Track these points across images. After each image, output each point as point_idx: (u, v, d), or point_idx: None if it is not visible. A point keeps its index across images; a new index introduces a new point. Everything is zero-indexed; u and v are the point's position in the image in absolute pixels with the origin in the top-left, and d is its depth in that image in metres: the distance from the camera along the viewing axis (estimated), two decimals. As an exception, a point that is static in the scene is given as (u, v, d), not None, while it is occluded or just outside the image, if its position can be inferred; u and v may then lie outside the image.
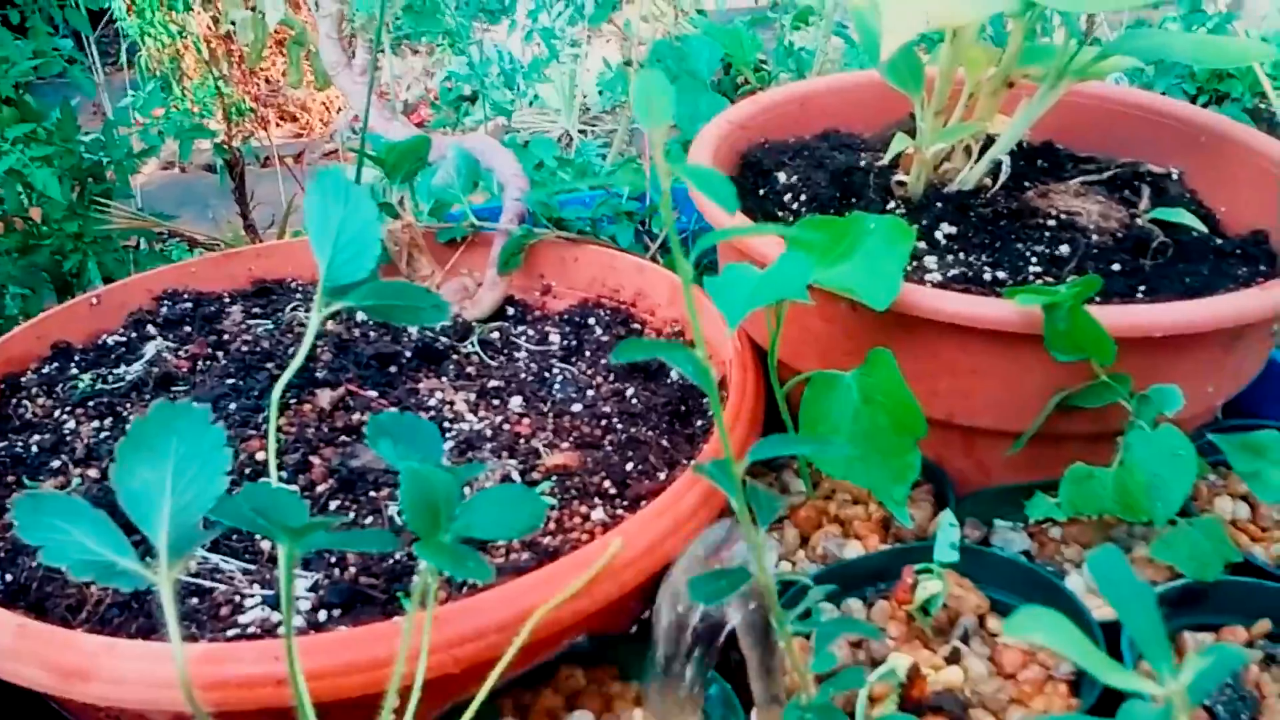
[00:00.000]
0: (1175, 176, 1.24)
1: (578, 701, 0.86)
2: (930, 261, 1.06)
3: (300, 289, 1.29)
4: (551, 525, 0.92)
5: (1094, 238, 1.11)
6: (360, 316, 1.21)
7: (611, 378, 1.12)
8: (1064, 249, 1.09)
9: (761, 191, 1.20)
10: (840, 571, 0.90)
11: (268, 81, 4.12)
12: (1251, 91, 2.73)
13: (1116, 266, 1.07)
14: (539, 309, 1.28)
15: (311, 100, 4.16)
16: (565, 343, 1.19)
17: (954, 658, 0.83)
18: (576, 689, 0.87)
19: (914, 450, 0.86)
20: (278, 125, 4.14)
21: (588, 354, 1.16)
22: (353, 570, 0.87)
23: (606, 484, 0.97)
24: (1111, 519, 0.98)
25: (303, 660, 0.73)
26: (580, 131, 3.48)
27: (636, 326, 1.22)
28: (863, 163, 1.22)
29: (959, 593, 0.87)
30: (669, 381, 1.12)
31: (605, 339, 1.19)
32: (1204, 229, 1.12)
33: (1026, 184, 1.20)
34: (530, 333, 1.21)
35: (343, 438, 1.00)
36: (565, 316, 1.24)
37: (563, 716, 0.85)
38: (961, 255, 1.08)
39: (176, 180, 3.52)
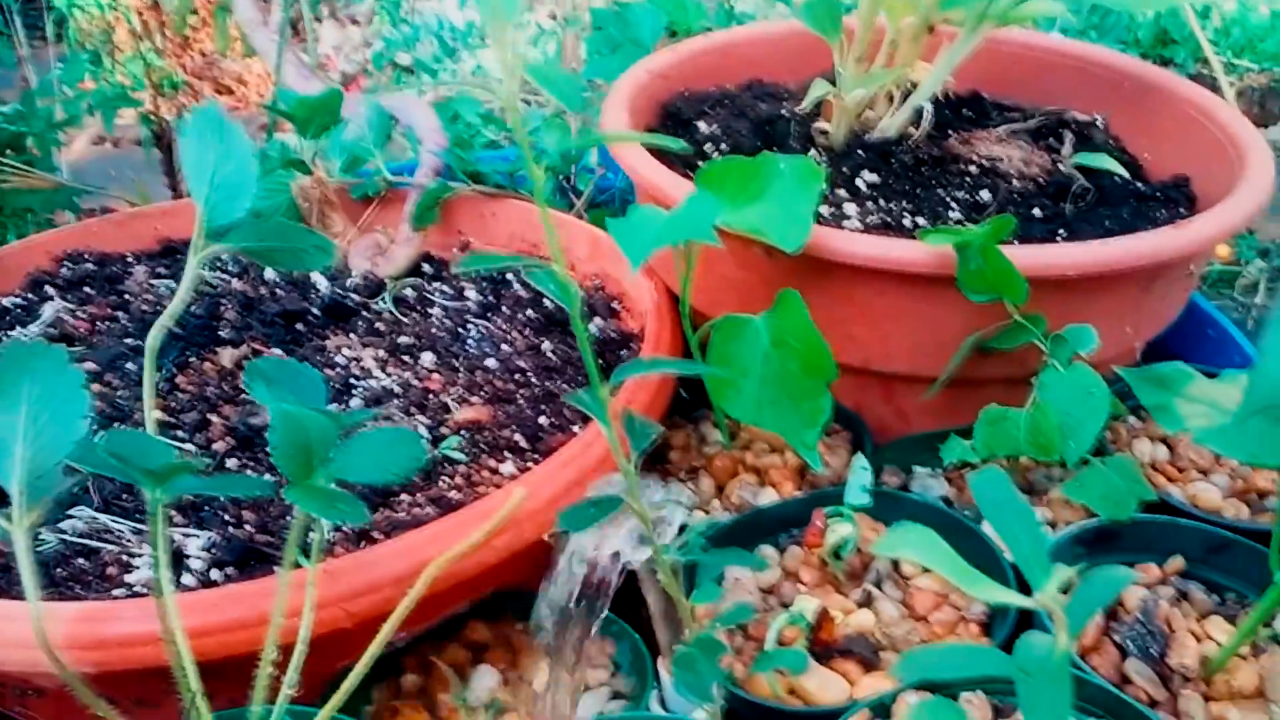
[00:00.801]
0: (1099, 124, 1.23)
1: (483, 656, 0.84)
2: (850, 209, 1.04)
3: (210, 249, 1.25)
4: (459, 480, 0.90)
5: (1015, 183, 1.09)
6: (269, 274, 1.18)
7: (528, 332, 1.09)
8: (985, 195, 1.07)
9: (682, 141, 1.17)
10: (753, 519, 0.88)
11: (203, 54, 4.04)
12: (1194, 57, 2.74)
13: (1038, 211, 1.06)
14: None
15: (249, 73, 4.08)
16: (482, 299, 1.16)
17: (866, 601, 0.82)
18: (482, 643, 0.85)
19: (825, 393, 0.84)
20: (213, 98, 4.05)
21: (505, 310, 1.14)
22: (249, 528, 0.84)
23: (518, 438, 0.94)
24: (1029, 462, 0.98)
25: (186, 617, 0.70)
26: (524, 101, 3.44)
27: (556, 282, 1.19)
28: (785, 112, 1.20)
29: (873, 537, 0.86)
30: (587, 335, 1.09)
31: (524, 295, 1.16)
32: (1126, 174, 1.11)
33: (950, 132, 1.18)
34: (446, 289, 1.18)
35: (244, 396, 0.97)
36: (484, 272, 1.21)
37: (467, 671, 0.82)
38: (882, 203, 1.06)
39: (107, 155, 3.43)
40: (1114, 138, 1.22)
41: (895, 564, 0.87)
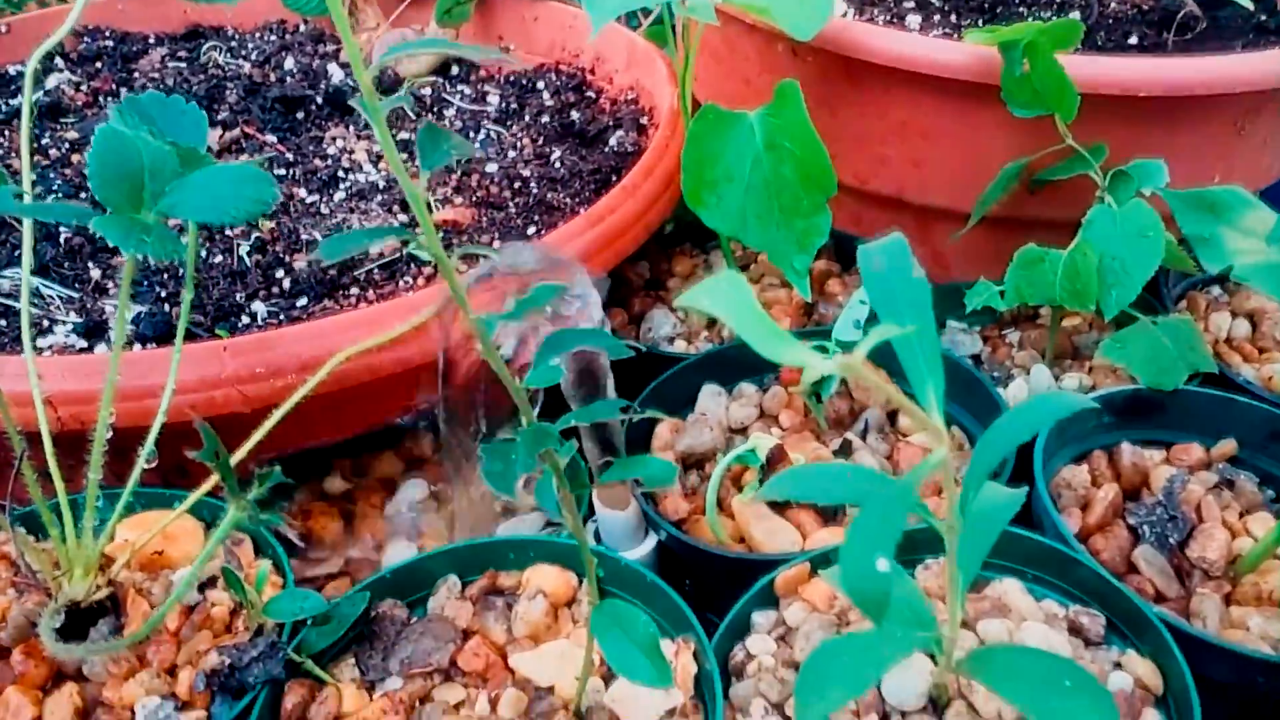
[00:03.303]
0: (1237, -47, 1.04)
1: (420, 471, 0.76)
2: (913, 20, 0.90)
3: (236, 36, 1.18)
4: (421, 281, 0.81)
5: (1113, 5, 0.93)
6: (289, 64, 1.10)
7: (540, 141, 0.99)
8: (1074, 15, 0.92)
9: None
10: (735, 352, 0.77)
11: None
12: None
13: (1134, 40, 0.90)
14: (488, 71, 1.15)
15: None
16: (504, 104, 1.06)
17: (844, 451, 0.71)
18: (421, 457, 0.77)
19: (823, 211, 0.72)
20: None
21: (526, 118, 1.04)
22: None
23: (498, 244, 0.85)
24: (1080, 323, 0.84)
25: (53, 380, 0.64)
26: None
27: (591, 94, 1.08)
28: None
29: (869, 384, 0.74)
30: (605, 149, 0.99)
31: (551, 103, 1.06)
32: (1250, 6, 0.94)
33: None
34: (468, 91, 1.08)
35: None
36: (513, 79, 1.11)
37: (398, 481, 0.75)
38: (952, 17, 0.91)
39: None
40: (1252, -30, 1.04)
41: (891, 416, 0.75)
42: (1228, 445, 0.71)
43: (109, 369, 0.66)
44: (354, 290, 0.80)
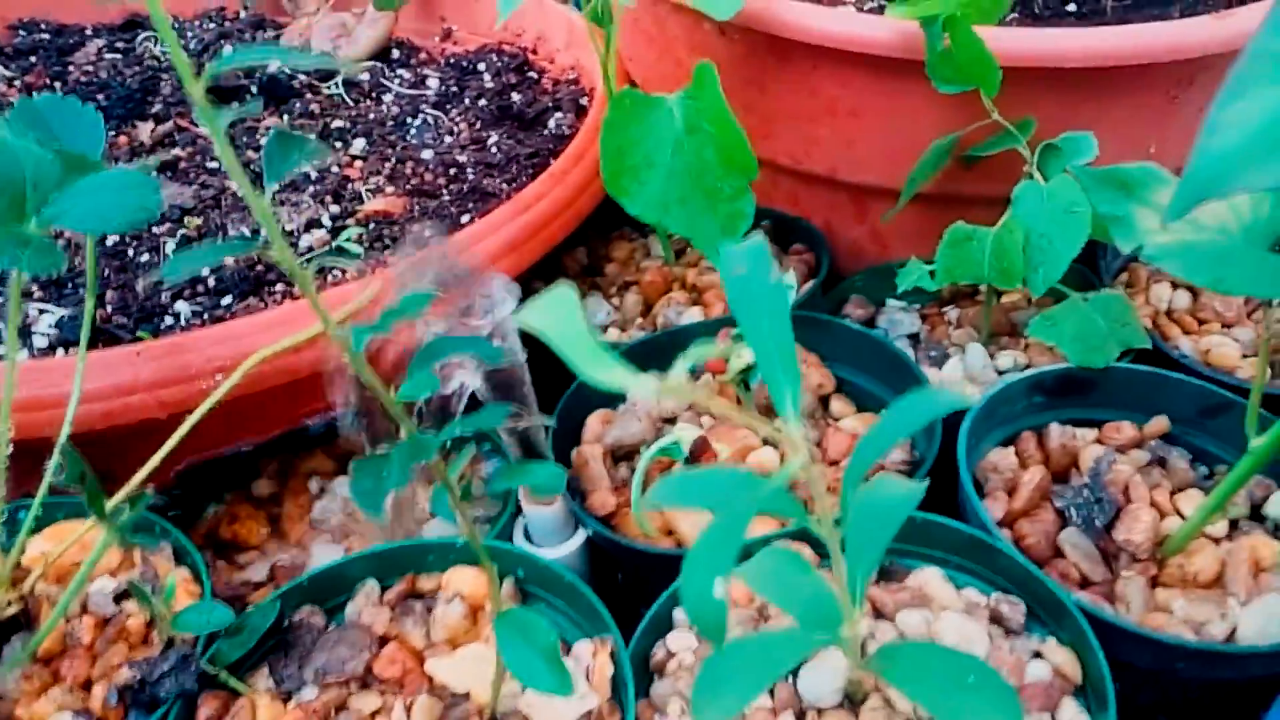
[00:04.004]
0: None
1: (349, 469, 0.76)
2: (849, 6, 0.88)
3: (176, 25, 1.16)
4: (351, 275, 0.80)
5: (1051, -28, 0.92)
6: (226, 51, 1.08)
7: (478, 125, 0.98)
8: (1012, -16, 0.90)
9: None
10: (668, 339, 0.77)
11: None
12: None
13: (1072, 7, 0.89)
14: (431, 53, 1.13)
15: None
16: (444, 88, 1.04)
17: (773, 439, 0.70)
18: (351, 455, 0.76)
19: (746, 194, 0.71)
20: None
21: (466, 101, 1.02)
22: (108, 309, 0.76)
23: (429, 233, 0.84)
24: (1019, 299, 0.83)
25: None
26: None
27: (533, 75, 1.07)
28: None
29: (800, 369, 0.74)
30: (544, 132, 0.97)
31: (492, 85, 1.04)
32: (1193, -32, 0.92)
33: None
34: (406, 75, 1.06)
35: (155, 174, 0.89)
36: (454, 61, 1.09)
37: (325, 481, 0.74)
38: (885, -5, 0.90)
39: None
40: (1197, -69, 1.02)
41: (824, 402, 0.75)
42: (1160, 423, 0.70)
43: (9, 377, 0.65)
44: (279, 287, 0.79)
